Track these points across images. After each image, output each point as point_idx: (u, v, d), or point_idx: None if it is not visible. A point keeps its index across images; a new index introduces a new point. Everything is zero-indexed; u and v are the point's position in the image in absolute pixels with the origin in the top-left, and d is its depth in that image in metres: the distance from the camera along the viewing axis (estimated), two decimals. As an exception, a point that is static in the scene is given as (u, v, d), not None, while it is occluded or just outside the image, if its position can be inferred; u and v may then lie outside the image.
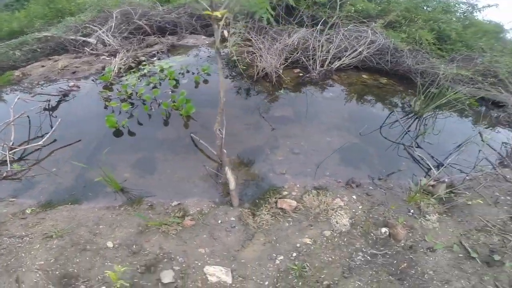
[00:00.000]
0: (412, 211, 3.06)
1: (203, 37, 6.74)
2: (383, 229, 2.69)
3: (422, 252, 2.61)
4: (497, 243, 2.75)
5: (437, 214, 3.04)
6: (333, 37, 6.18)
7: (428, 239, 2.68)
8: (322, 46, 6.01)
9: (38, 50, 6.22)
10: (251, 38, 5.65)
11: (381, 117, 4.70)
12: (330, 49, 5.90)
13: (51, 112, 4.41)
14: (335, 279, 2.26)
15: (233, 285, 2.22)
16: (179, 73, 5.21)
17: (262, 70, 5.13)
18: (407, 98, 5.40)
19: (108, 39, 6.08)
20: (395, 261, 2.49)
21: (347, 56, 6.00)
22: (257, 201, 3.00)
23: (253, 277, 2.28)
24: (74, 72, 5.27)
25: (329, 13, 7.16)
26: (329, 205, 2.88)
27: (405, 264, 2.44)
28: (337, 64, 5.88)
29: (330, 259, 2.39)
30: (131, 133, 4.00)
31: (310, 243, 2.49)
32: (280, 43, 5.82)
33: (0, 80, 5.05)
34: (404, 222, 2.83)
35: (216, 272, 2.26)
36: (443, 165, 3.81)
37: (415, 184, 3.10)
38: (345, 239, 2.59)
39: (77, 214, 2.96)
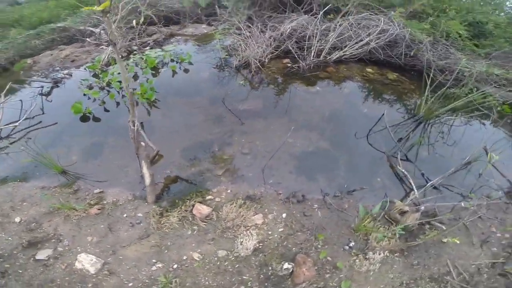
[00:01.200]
0: (352, 244, 2.39)
1: (203, 26, 6.58)
2: (286, 265, 2.11)
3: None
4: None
5: (386, 252, 2.31)
6: (336, 25, 5.40)
7: (344, 287, 2.03)
8: (326, 35, 5.30)
9: (58, 39, 6.83)
10: (241, 27, 5.26)
11: (372, 120, 3.90)
12: (330, 38, 5.16)
13: (44, 97, 4.78)
14: (195, 308, 1.87)
15: (94, 275, 2.07)
16: (163, 62, 5.15)
17: (244, 60, 4.73)
18: (416, 99, 4.43)
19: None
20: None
21: (350, 47, 5.19)
22: (177, 201, 2.71)
23: (121, 275, 2.07)
24: (73, 61, 5.62)
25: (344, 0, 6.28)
26: (245, 221, 2.42)
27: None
28: (337, 54, 5.12)
29: (206, 283, 1.98)
30: (95, 119, 4.06)
31: (197, 259, 2.13)
32: (271, 31, 5.32)
33: (15, 67, 5.67)
34: (328, 258, 2.22)
35: (84, 260, 2.16)
36: (431, 185, 2.96)
37: (364, 209, 2.41)
38: (237, 266, 2.12)
39: (19, 190, 3.09)
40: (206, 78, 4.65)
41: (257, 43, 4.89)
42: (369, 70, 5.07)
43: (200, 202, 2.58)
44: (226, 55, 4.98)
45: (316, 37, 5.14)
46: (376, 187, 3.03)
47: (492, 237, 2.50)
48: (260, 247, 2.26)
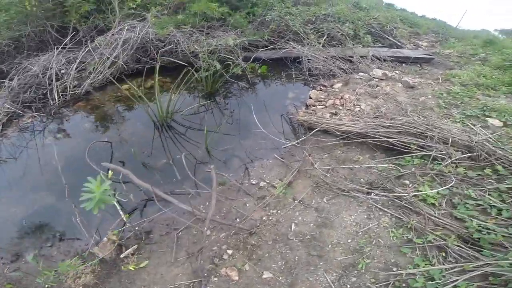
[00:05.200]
0: (44, 289, 2.28)
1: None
2: None
3: None
4: None
5: (80, 288, 2.25)
6: (79, 52, 5.11)
7: None
8: (64, 70, 4.82)
9: None
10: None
11: (96, 149, 3.72)
12: (70, 70, 4.84)
13: None
14: None
15: None
16: None
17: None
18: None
19: None
20: None
21: (96, 72, 4.95)
22: None
23: None
24: None
25: (109, 18, 5.91)
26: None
27: None
28: (86, 84, 4.83)
29: None
30: None
31: None
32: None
33: None
34: None
35: None
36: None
37: (33, 257, 2.30)
38: None
39: None
40: None
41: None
42: (125, 86, 5.01)
43: None
44: None
45: (56, 76, 4.75)
46: (92, 224, 2.95)
47: (190, 247, 2.46)
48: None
